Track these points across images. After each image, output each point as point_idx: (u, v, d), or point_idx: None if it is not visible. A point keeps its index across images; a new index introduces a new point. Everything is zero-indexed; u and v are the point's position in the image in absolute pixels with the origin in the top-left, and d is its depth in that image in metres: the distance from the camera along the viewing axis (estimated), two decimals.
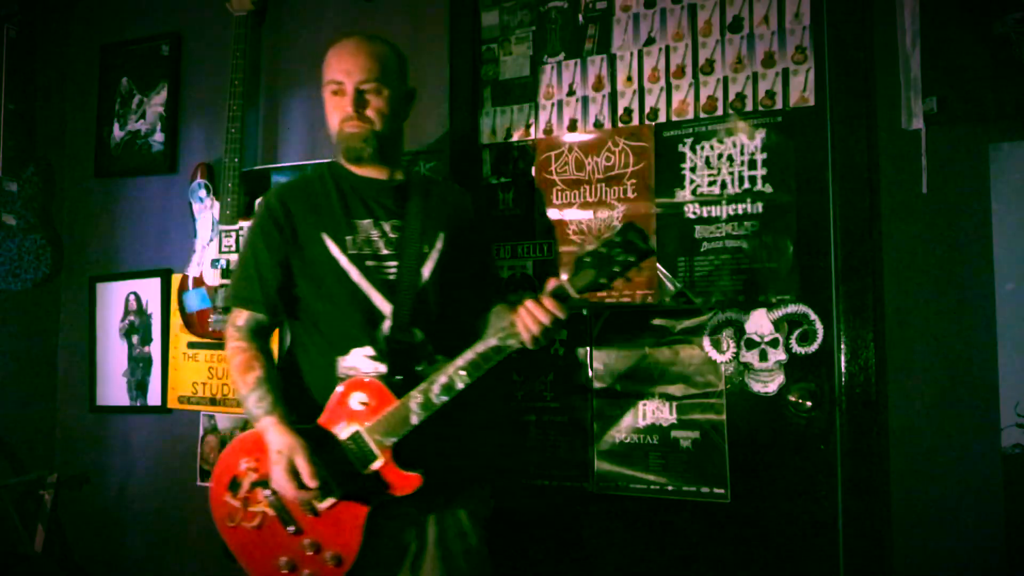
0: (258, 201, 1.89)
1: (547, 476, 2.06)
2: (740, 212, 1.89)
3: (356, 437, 1.56)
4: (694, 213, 1.94)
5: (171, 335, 2.57)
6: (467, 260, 1.78)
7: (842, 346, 1.77)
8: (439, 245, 1.71)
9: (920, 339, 1.73)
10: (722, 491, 1.87)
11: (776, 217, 1.86)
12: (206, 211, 2.40)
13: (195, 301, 2.40)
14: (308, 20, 2.46)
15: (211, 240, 2.38)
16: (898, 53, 1.77)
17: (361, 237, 1.68)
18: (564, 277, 1.52)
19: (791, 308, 1.84)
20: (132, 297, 2.66)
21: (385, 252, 1.68)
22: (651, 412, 1.95)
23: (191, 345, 2.52)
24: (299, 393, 1.67)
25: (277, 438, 1.54)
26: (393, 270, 1.66)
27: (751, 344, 1.87)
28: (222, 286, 2.35)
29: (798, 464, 1.81)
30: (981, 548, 1.65)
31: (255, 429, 1.61)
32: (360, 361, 1.62)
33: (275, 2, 2.51)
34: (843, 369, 1.77)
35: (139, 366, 2.64)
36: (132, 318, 2.66)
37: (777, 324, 1.85)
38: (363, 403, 1.56)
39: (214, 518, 1.66)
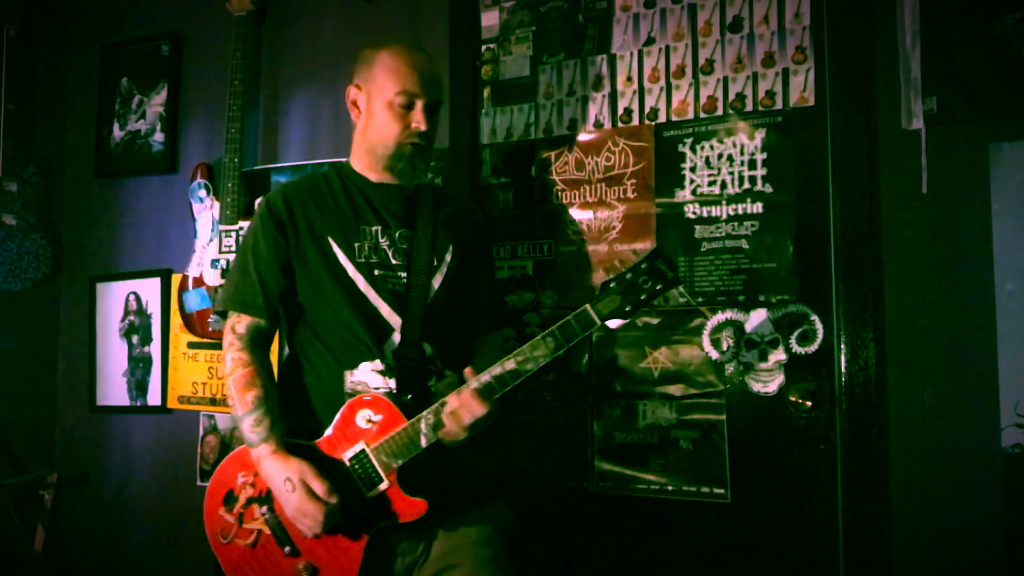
0: (258, 201, 1.77)
1: (547, 476, 2.06)
2: (740, 212, 1.89)
3: (361, 457, 1.48)
4: (694, 213, 1.94)
5: (171, 335, 2.57)
6: (475, 276, 1.72)
7: (842, 346, 1.77)
8: (448, 258, 1.65)
9: (920, 339, 1.73)
10: (722, 491, 1.86)
11: (776, 217, 1.86)
12: (206, 211, 2.40)
13: (195, 301, 2.40)
14: (308, 20, 2.46)
15: (211, 240, 2.38)
16: (898, 53, 1.77)
17: (370, 244, 1.61)
18: (587, 305, 1.46)
19: (791, 308, 1.84)
20: (132, 297, 2.66)
21: (395, 262, 1.61)
22: (651, 412, 1.95)
23: (191, 345, 2.52)
24: (302, 407, 1.59)
25: (279, 467, 1.46)
26: (402, 281, 1.60)
27: (751, 344, 1.87)
28: (222, 286, 2.35)
29: (798, 464, 1.81)
30: (981, 548, 1.65)
31: (248, 451, 1.53)
32: (369, 376, 1.54)
33: (275, 2, 2.51)
34: (843, 369, 1.77)
35: (139, 366, 2.64)
36: (132, 318, 2.66)
37: (777, 324, 1.85)
38: (370, 421, 1.49)
39: (207, 533, 1.58)
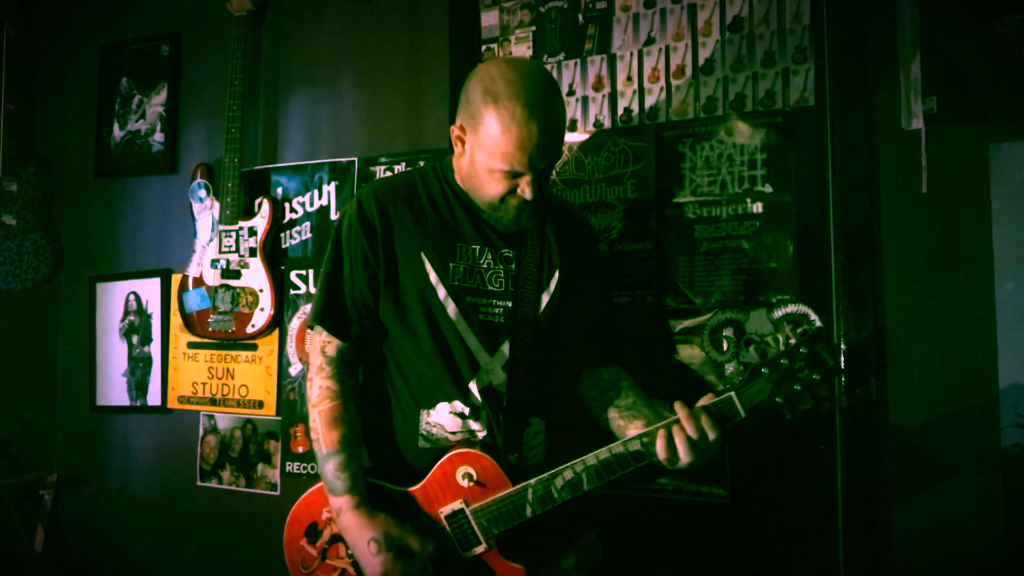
0: (345, 208, 1.53)
1: None
2: (740, 212, 1.89)
3: (460, 516, 1.40)
4: (694, 213, 1.94)
5: (171, 335, 2.57)
6: (580, 304, 1.56)
7: (842, 346, 1.77)
8: (552, 286, 1.48)
9: (920, 339, 1.73)
10: (722, 491, 1.86)
11: (776, 217, 1.86)
12: (206, 211, 2.40)
13: (195, 301, 2.40)
14: (308, 20, 2.46)
15: (211, 240, 2.38)
16: (898, 53, 1.77)
17: (465, 265, 1.43)
18: (732, 393, 1.32)
19: (791, 308, 1.84)
20: (132, 297, 2.66)
21: (492, 288, 1.44)
22: None
23: (191, 345, 2.52)
24: (382, 439, 1.49)
25: (362, 525, 1.37)
26: (499, 311, 1.44)
27: (751, 344, 1.86)
28: (222, 286, 2.35)
29: (798, 464, 1.81)
30: (981, 548, 1.65)
31: (326, 494, 1.44)
32: (446, 419, 1.42)
33: (275, 2, 2.51)
34: (843, 369, 1.77)
35: (139, 366, 2.64)
36: (132, 318, 2.66)
37: (777, 324, 1.85)
38: (471, 480, 1.39)
39: (286, 559, 1.54)
